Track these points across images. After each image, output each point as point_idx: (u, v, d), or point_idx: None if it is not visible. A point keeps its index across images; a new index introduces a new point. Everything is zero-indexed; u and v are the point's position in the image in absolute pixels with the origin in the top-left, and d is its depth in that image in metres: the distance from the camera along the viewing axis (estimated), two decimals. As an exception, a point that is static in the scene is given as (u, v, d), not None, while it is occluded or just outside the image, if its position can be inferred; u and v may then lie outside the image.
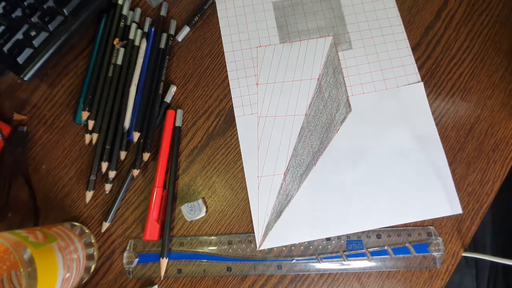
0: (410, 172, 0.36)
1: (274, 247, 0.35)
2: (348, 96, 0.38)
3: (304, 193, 0.36)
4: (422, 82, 0.39)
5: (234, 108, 0.39)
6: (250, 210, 0.37)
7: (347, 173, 0.37)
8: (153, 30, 0.41)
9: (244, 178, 0.38)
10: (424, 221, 0.36)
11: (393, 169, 0.37)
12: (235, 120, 0.39)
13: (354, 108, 0.38)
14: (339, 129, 0.37)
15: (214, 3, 0.42)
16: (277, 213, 0.36)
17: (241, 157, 0.38)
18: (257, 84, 0.39)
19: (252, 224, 0.36)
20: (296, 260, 0.35)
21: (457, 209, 0.36)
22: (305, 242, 0.35)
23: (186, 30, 0.41)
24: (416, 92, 0.39)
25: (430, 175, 0.36)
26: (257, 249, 0.35)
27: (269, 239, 0.35)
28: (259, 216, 0.36)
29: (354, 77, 0.39)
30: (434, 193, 0.36)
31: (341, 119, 0.38)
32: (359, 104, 0.39)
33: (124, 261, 0.35)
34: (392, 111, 0.38)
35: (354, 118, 0.38)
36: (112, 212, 0.36)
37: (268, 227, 0.36)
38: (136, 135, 0.37)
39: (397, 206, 0.36)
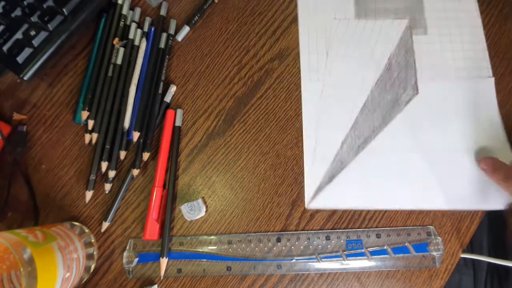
0: (467, 163, 0.37)
1: (319, 209, 0.36)
2: (416, 79, 0.39)
3: (359, 164, 0.37)
4: (493, 78, 0.39)
5: (301, 72, 0.40)
6: (250, 209, 0.37)
7: (404, 153, 0.37)
8: (153, 29, 0.41)
9: (244, 178, 0.38)
10: (423, 220, 0.36)
11: (450, 158, 0.37)
12: (235, 120, 0.39)
13: (421, 91, 0.39)
14: (403, 109, 0.38)
15: (213, 2, 0.42)
16: (329, 178, 0.37)
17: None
18: (328, 54, 0.40)
19: (252, 223, 0.37)
20: (296, 259, 0.35)
21: (500, 205, 0.36)
22: (304, 242, 0.36)
23: (186, 29, 0.41)
24: (486, 87, 0.39)
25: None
26: (306, 206, 0.36)
27: (318, 199, 0.36)
28: (312, 177, 0.37)
29: (425, 62, 0.40)
30: (487, 187, 0.36)
31: (407, 100, 0.38)
32: (427, 89, 0.39)
33: (124, 260, 0.35)
34: (459, 102, 0.38)
35: (420, 102, 0.38)
36: (112, 212, 0.36)
37: (319, 189, 0.36)
38: (136, 135, 0.37)
39: (448, 193, 0.36)
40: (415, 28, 0.41)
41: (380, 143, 0.38)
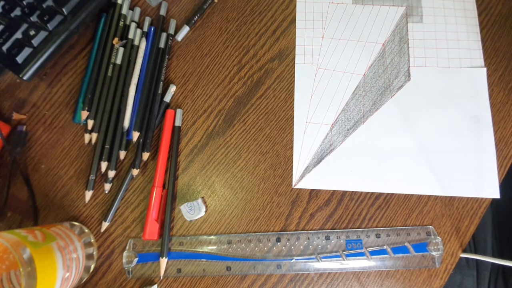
0: (455, 150, 0.37)
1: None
2: (409, 66, 0.40)
3: (348, 146, 0.38)
4: (485, 68, 0.39)
5: (296, 55, 0.40)
6: (250, 209, 0.37)
7: (394, 137, 0.38)
8: (152, 29, 0.41)
9: (244, 178, 0.38)
10: (423, 220, 0.36)
11: (439, 144, 0.38)
12: (234, 120, 0.39)
13: (413, 78, 0.39)
14: (394, 95, 0.39)
15: (213, 2, 0.42)
16: (318, 159, 0.37)
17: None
18: (323, 37, 0.40)
19: (252, 223, 0.37)
20: (296, 259, 0.35)
21: (495, 194, 0.36)
22: (304, 242, 0.36)
23: (185, 29, 0.41)
24: (478, 77, 0.39)
25: (476, 157, 0.37)
26: (292, 186, 0.37)
27: (305, 180, 0.37)
28: (300, 158, 0.38)
29: (419, 49, 0.40)
30: (475, 174, 0.37)
31: (398, 86, 0.39)
32: (419, 76, 0.39)
33: (124, 260, 0.35)
34: (450, 90, 0.39)
35: (411, 88, 0.39)
36: (111, 212, 0.36)
37: (307, 170, 0.37)
38: (135, 135, 0.37)
39: (436, 178, 0.37)
40: (411, 16, 0.41)
41: (371, 127, 0.38)
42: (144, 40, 0.40)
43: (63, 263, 0.29)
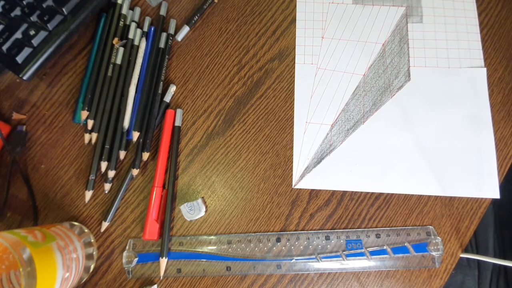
0: (455, 150, 0.37)
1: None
2: (409, 66, 0.40)
3: (348, 146, 0.38)
4: (485, 68, 0.39)
5: (296, 55, 0.40)
6: (250, 209, 0.37)
7: (393, 137, 0.38)
8: (152, 29, 0.41)
9: (244, 178, 0.38)
10: (423, 220, 0.36)
11: (439, 144, 0.38)
12: (234, 120, 0.39)
13: (413, 79, 0.39)
14: (394, 95, 0.39)
15: (213, 2, 0.42)
16: (318, 159, 0.37)
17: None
18: (323, 37, 0.41)
19: (252, 223, 0.37)
20: (296, 259, 0.35)
21: (495, 194, 0.36)
22: (304, 242, 0.36)
23: (185, 29, 0.41)
24: (478, 77, 0.39)
25: (476, 157, 0.37)
26: (293, 187, 0.37)
27: (305, 180, 0.37)
28: (300, 158, 0.38)
29: (419, 49, 0.40)
30: (475, 174, 0.37)
31: (398, 86, 0.39)
32: (419, 76, 0.40)
33: (124, 260, 0.35)
34: (450, 90, 0.39)
35: (411, 88, 0.39)
36: (111, 212, 0.36)
37: (307, 170, 0.37)
38: (135, 135, 0.37)
39: (436, 179, 0.37)
40: (411, 16, 0.41)
41: (370, 127, 0.38)
42: (144, 40, 0.40)
43: (63, 263, 0.29)
